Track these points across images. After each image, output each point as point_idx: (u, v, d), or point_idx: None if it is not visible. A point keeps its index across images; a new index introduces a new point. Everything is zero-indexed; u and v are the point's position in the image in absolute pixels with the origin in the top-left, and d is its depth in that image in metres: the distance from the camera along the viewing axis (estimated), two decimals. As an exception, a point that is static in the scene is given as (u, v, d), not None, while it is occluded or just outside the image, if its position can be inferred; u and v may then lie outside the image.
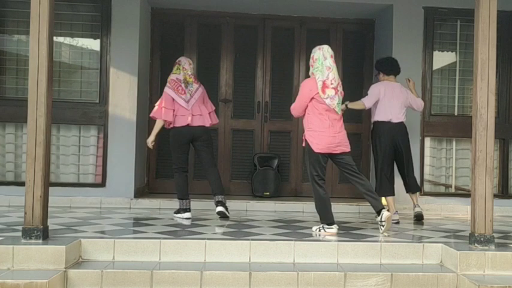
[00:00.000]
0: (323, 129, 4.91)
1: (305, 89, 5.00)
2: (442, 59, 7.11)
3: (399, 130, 5.82)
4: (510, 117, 7.10)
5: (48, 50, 4.14)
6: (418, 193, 6.11)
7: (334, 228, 4.91)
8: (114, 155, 6.62)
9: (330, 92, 4.92)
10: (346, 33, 7.61)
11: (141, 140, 6.87)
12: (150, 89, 7.35)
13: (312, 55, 5.09)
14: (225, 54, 7.51)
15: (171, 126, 5.72)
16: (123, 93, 6.62)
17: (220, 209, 5.61)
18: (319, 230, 4.94)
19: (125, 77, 6.62)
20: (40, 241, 4.06)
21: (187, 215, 5.66)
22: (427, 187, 6.97)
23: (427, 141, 6.98)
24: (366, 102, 5.87)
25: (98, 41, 6.72)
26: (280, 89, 7.52)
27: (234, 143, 7.50)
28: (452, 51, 7.14)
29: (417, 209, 5.96)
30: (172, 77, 5.76)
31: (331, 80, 4.93)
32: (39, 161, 4.11)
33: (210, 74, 7.47)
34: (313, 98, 4.94)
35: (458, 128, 6.82)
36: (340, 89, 5.06)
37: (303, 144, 5.07)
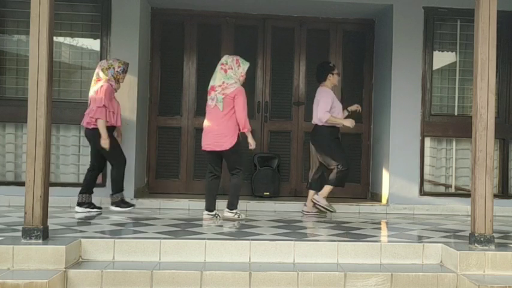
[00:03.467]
0: None
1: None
2: (442, 59, 7.10)
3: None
4: (510, 117, 7.10)
5: (48, 50, 4.14)
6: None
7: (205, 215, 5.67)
8: (114, 155, 6.61)
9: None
10: (346, 33, 7.61)
11: (141, 140, 6.88)
12: (150, 89, 7.35)
13: (239, 66, 5.63)
14: (225, 54, 7.48)
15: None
16: (123, 93, 6.60)
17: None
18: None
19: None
20: (40, 241, 4.06)
21: None
22: (427, 187, 6.97)
23: (427, 141, 6.98)
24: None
25: (98, 41, 6.72)
26: (280, 89, 7.52)
27: (234, 143, 7.49)
28: (452, 51, 7.14)
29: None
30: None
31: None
32: (39, 161, 4.11)
33: (209, 74, 7.42)
34: None
35: (458, 128, 6.83)
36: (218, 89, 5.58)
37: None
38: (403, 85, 6.81)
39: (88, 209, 5.89)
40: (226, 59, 5.68)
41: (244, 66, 5.67)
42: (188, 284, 3.95)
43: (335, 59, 7.47)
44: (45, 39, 4.12)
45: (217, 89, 5.57)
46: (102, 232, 4.76)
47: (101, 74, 5.90)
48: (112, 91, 5.90)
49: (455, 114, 7.05)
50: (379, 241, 4.64)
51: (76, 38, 6.84)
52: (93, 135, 5.84)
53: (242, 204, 6.63)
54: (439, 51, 7.08)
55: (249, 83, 7.47)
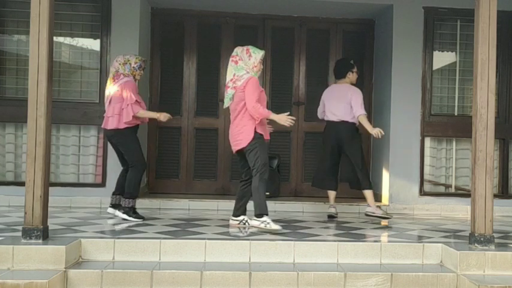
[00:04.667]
0: None
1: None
2: (442, 59, 7.10)
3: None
4: (510, 117, 7.10)
5: (48, 50, 4.14)
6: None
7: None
8: (114, 155, 6.58)
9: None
10: (346, 33, 7.60)
11: (141, 140, 6.87)
12: (150, 89, 7.35)
13: (251, 56, 5.11)
14: (225, 54, 7.48)
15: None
16: (123, 93, 6.61)
17: None
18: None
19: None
20: (40, 241, 4.06)
21: None
22: (427, 187, 6.97)
23: (427, 141, 6.98)
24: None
25: (98, 41, 6.72)
26: (280, 89, 7.51)
27: (234, 143, 7.49)
28: (452, 51, 7.14)
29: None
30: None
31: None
32: (39, 161, 4.11)
33: (210, 74, 7.47)
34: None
35: (458, 128, 6.82)
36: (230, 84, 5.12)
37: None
38: (403, 85, 6.81)
39: (133, 218, 5.47)
40: (237, 50, 5.15)
41: (257, 55, 5.09)
42: (188, 284, 3.95)
43: (335, 59, 7.45)
44: (45, 39, 4.12)
45: (229, 84, 5.09)
46: (102, 232, 4.77)
47: (121, 69, 5.51)
48: (135, 85, 5.54)
49: (455, 114, 7.05)
50: (379, 241, 4.65)
51: (76, 38, 6.84)
52: (112, 135, 5.56)
53: (242, 204, 6.65)
54: (439, 51, 7.08)
55: (249, 83, 7.51)
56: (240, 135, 5.08)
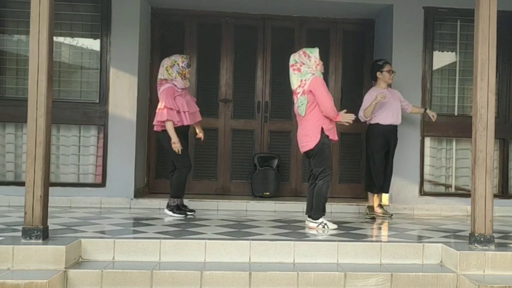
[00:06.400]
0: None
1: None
2: (442, 59, 7.10)
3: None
4: (510, 117, 7.10)
5: (48, 50, 4.14)
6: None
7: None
8: (114, 155, 6.62)
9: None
10: (346, 33, 7.60)
11: (141, 140, 6.88)
12: (150, 89, 7.34)
13: (310, 57, 5.19)
14: (225, 54, 7.51)
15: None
16: (123, 93, 6.62)
17: None
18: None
19: (124, 77, 6.63)
20: (40, 241, 4.06)
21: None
22: (427, 187, 6.97)
23: (427, 141, 6.98)
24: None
25: (98, 41, 6.72)
26: (280, 89, 7.50)
27: (234, 143, 7.50)
28: (452, 51, 7.14)
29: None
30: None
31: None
32: (39, 161, 4.11)
33: (210, 74, 7.47)
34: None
35: (458, 128, 6.82)
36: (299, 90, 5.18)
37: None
38: (403, 85, 6.80)
39: (177, 214, 5.81)
40: (294, 58, 5.20)
41: (314, 53, 5.19)
42: (188, 284, 3.95)
43: (335, 59, 7.48)
44: (45, 39, 4.12)
45: (298, 90, 5.14)
46: (102, 232, 4.77)
47: (165, 74, 5.69)
48: (174, 90, 5.65)
49: (455, 114, 7.05)
50: (379, 241, 4.65)
51: (76, 38, 6.84)
52: (158, 137, 5.93)
53: (242, 204, 6.67)
54: (439, 51, 7.08)
55: (249, 83, 7.53)
56: (306, 138, 5.14)
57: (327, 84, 7.42)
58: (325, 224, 5.12)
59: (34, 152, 4.11)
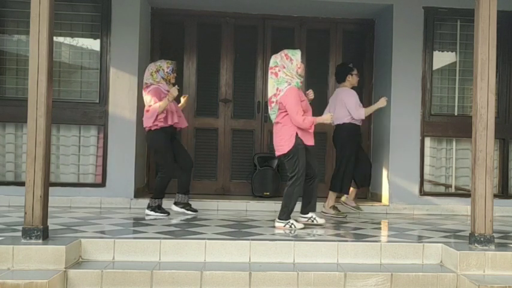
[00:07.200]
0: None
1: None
2: (442, 59, 7.10)
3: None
4: (510, 117, 7.10)
5: (48, 50, 4.14)
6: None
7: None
8: (114, 155, 6.62)
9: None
10: (346, 33, 7.61)
11: (141, 140, 6.87)
12: (150, 89, 7.34)
13: (292, 60, 5.14)
14: (225, 54, 7.51)
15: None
16: (123, 93, 6.63)
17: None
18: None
19: (124, 77, 6.63)
20: (40, 241, 4.06)
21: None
22: (427, 187, 6.97)
23: (427, 141, 6.98)
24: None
25: (98, 41, 6.73)
26: (280, 89, 7.51)
27: (234, 143, 7.50)
28: (452, 51, 7.14)
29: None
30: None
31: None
32: (39, 161, 4.11)
33: (210, 74, 7.48)
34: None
35: (458, 128, 6.82)
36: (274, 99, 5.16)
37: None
38: (403, 85, 6.81)
39: (183, 210, 5.93)
40: (275, 60, 5.17)
41: (296, 56, 5.11)
42: (188, 284, 3.95)
43: (335, 59, 7.48)
44: (45, 39, 4.12)
45: (273, 99, 5.14)
46: (102, 232, 4.77)
47: (150, 79, 5.74)
48: (160, 91, 5.68)
49: (455, 114, 7.05)
50: (379, 241, 4.64)
51: (76, 38, 6.84)
52: (146, 137, 5.94)
53: (242, 204, 6.66)
54: (439, 51, 7.08)
55: (249, 83, 7.53)
56: (280, 142, 5.15)
57: (327, 85, 7.50)
58: (292, 223, 5.12)
59: (34, 152, 4.11)
